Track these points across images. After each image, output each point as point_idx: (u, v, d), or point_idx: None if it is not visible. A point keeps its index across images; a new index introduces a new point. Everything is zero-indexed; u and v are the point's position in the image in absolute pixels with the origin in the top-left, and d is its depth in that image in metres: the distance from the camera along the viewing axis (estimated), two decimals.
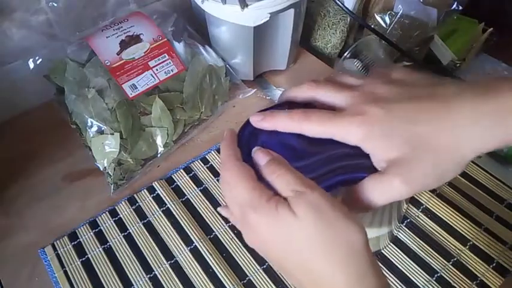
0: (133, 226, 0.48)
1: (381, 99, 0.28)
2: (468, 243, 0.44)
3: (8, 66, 0.56)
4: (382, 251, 0.44)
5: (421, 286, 0.42)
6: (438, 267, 0.43)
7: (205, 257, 0.45)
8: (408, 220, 0.46)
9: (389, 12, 0.68)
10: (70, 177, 0.53)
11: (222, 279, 0.43)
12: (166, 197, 0.50)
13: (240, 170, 0.27)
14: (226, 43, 0.60)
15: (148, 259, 0.45)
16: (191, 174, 0.52)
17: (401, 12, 0.67)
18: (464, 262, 0.43)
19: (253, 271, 0.44)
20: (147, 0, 0.63)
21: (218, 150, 0.55)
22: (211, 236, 0.47)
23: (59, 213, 0.49)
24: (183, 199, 0.50)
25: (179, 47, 0.57)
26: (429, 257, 0.43)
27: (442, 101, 0.26)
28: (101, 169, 0.50)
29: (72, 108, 0.51)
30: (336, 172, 0.28)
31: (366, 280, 0.24)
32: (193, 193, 0.51)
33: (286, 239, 0.25)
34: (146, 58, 0.54)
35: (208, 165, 0.53)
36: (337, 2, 0.62)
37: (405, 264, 0.43)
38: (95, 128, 0.50)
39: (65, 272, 0.44)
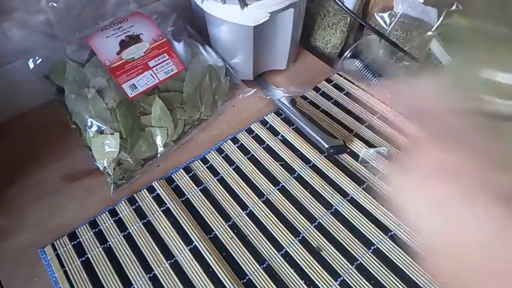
0: (133, 226, 0.48)
1: None
2: None
3: (8, 66, 0.56)
4: (383, 251, 0.44)
5: (421, 285, 0.42)
6: None
7: (205, 256, 0.45)
8: None
9: (389, 12, 0.68)
10: (70, 177, 0.53)
11: (221, 278, 0.43)
12: (166, 196, 0.50)
13: None
14: (226, 43, 0.60)
15: (148, 259, 0.45)
16: (191, 174, 0.52)
17: (401, 12, 0.67)
18: None
19: (253, 270, 0.44)
20: (147, 0, 0.64)
21: (218, 150, 0.55)
22: (211, 236, 0.47)
23: (58, 213, 0.49)
24: (183, 199, 0.50)
25: (179, 47, 0.57)
26: None
27: None
28: (101, 169, 0.50)
29: (72, 108, 0.51)
30: None
31: None
32: (193, 193, 0.51)
33: None
34: (146, 58, 0.54)
35: (208, 165, 0.53)
36: (337, 1, 0.62)
37: (406, 263, 0.43)
38: (94, 128, 0.50)
39: (65, 272, 0.44)
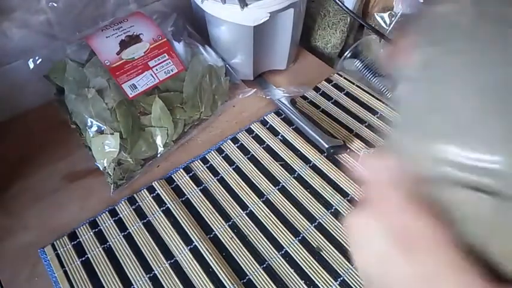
0: (133, 226, 0.48)
1: None
2: None
3: (8, 66, 0.56)
4: None
5: None
6: None
7: (205, 256, 0.45)
8: None
9: (389, 12, 0.68)
10: (70, 177, 0.53)
11: (221, 278, 0.43)
12: (166, 196, 0.50)
13: None
14: (226, 43, 0.60)
15: (148, 259, 0.45)
16: (191, 174, 0.52)
17: (401, 12, 0.67)
18: None
19: (253, 270, 0.44)
20: (147, 0, 0.64)
21: (218, 150, 0.55)
22: (211, 236, 0.47)
23: (58, 213, 0.49)
24: (183, 199, 0.50)
25: (179, 47, 0.57)
26: None
27: None
28: (101, 169, 0.50)
29: (72, 108, 0.51)
30: None
31: None
32: (193, 193, 0.51)
33: None
34: (146, 58, 0.54)
35: (208, 165, 0.53)
36: (337, 1, 0.62)
37: None
38: (94, 128, 0.50)
39: (65, 272, 0.44)
